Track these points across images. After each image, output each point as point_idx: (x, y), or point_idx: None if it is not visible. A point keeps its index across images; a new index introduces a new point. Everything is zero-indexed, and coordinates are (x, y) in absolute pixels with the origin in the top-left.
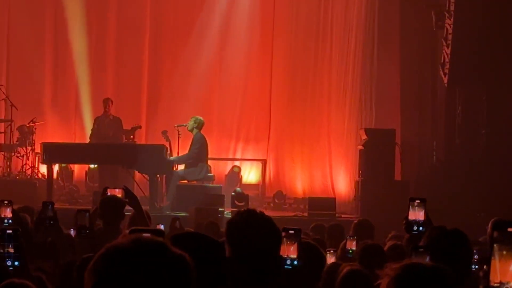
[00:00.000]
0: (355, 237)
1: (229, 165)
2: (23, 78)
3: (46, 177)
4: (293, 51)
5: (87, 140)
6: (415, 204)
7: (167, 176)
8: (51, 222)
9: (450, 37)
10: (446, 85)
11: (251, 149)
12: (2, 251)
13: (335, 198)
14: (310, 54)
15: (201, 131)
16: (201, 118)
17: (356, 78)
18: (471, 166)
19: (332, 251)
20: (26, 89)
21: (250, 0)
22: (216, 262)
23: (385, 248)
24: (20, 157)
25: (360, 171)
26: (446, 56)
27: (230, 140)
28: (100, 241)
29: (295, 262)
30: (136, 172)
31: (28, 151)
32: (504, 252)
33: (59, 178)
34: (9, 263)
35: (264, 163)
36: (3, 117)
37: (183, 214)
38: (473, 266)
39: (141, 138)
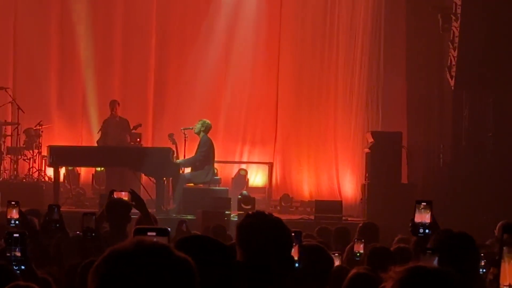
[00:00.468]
0: (363, 240)
1: (235, 168)
2: (30, 81)
3: (52, 180)
4: (300, 54)
5: (95, 143)
6: (421, 206)
7: (173, 179)
8: (57, 225)
9: (456, 40)
10: (452, 88)
11: (258, 152)
12: (9, 254)
13: (341, 201)
14: (316, 57)
15: (208, 134)
16: (208, 121)
17: (362, 81)
18: (478, 169)
19: (337, 254)
20: (32, 92)
21: (257, 3)
22: (223, 265)
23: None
24: (27, 160)
25: (367, 174)
26: (452, 59)
27: (236, 143)
28: (107, 244)
29: (296, 265)
30: (143, 175)
31: (34, 154)
32: None
33: (66, 181)
34: (15, 267)
35: (270, 166)
36: (9, 120)
37: (189, 217)
38: (480, 270)
39: (147, 141)
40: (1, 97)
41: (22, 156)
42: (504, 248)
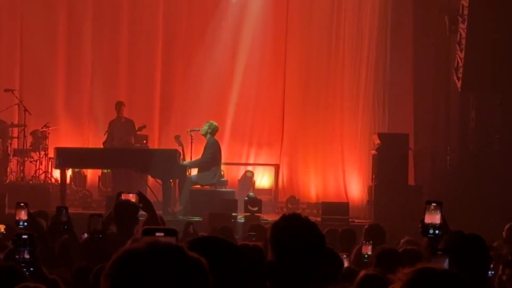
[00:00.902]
0: (371, 242)
1: (242, 170)
2: (36, 83)
3: (59, 182)
4: (306, 56)
5: (101, 145)
6: (431, 207)
7: (180, 180)
8: (66, 227)
9: (463, 41)
10: (459, 89)
11: (264, 153)
12: (18, 256)
13: (348, 203)
14: (323, 58)
15: (214, 136)
16: (215, 123)
17: (369, 82)
18: (485, 170)
19: (345, 255)
20: (39, 94)
21: (263, 5)
22: (235, 266)
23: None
24: (33, 162)
25: (373, 176)
26: (459, 60)
27: (243, 145)
28: (114, 245)
29: None
30: (149, 177)
31: (41, 156)
32: None
33: (72, 183)
34: (24, 268)
35: (277, 167)
36: (16, 122)
37: (196, 218)
38: (491, 272)
39: (154, 143)
40: (8, 99)
41: (29, 158)
42: None
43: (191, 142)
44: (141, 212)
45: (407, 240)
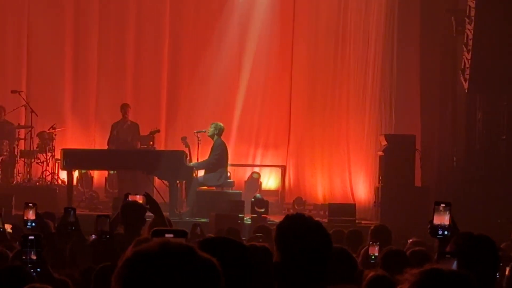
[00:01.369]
0: (378, 243)
1: (248, 171)
2: (43, 84)
3: (66, 183)
4: (313, 57)
5: (106, 147)
6: (440, 208)
7: (187, 182)
8: (73, 228)
9: (470, 42)
10: (466, 90)
11: (271, 155)
12: (24, 257)
13: (355, 204)
14: (329, 59)
15: (221, 137)
16: (221, 124)
17: (376, 84)
18: (491, 172)
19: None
20: (46, 96)
21: (269, 6)
22: (244, 266)
23: (407, 254)
24: (40, 163)
25: (380, 177)
26: (466, 61)
27: (249, 146)
28: (121, 246)
29: None
30: (156, 178)
31: (48, 157)
32: None
33: (79, 184)
34: (31, 269)
35: (283, 169)
36: (23, 124)
37: (203, 220)
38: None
39: (160, 144)
40: (14, 100)
41: (36, 160)
42: None
43: (198, 143)
44: (148, 213)
45: (414, 241)
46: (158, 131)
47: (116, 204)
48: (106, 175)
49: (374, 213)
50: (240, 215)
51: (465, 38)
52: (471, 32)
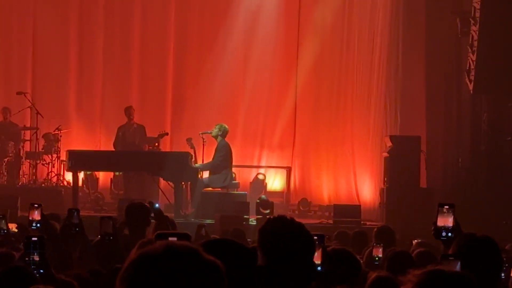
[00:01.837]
0: (381, 244)
1: (253, 173)
2: (49, 86)
3: (71, 184)
4: (318, 58)
5: (111, 149)
6: (444, 209)
7: (192, 183)
8: (77, 229)
9: (475, 43)
10: (471, 91)
11: (276, 156)
12: (27, 259)
13: (360, 205)
14: (335, 61)
15: (225, 139)
16: (226, 126)
17: (381, 85)
18: (497, 173)
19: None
20: (51, 97)
21: (275, 6)
22: (248, 268)
23: (413, 255)
24: (45, 164)
25: (385, 178)
26: (471, 62)
27: (254, 148)
28: (126, 247)
29: (319, 268)
30: (161, 179)
31: (53, 159)
32: None
33: (84, 186)
34: (34, 271)
35: (288, 170)
36: (28, 125)
37: (208, 221)
38: (502, 275)
39: (166, 146)
40: (20, 102)
41: (41, 161)
42: None
43: (203, 144)
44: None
45: (419, 242)
46: (167, 134)
47: (122, 205)
48: (112, 177)
49: (379, 214)
50: (245, 216)
51: (470, 39)
52: (476, 33)
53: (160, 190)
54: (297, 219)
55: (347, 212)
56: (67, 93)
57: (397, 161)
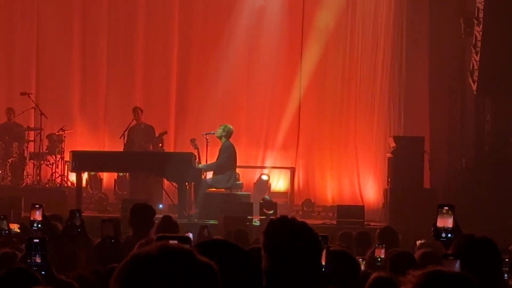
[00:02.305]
0: (384, 245)
1: (257, 173)
2: (52, 86)
3: (75, 185)
4: (322, 58)
5: (117, 148)
6: (444, 211)
7: (195, 184)
8: (79, 230)
9: (479, 44)
10: (475, 92)
11: (280, 157)
12: (29, 260)
13: (363, 206)
14: (338, 61)
15: (229, 139)
16: (230, 126)
17: (384, 85)
18: (500, 173)
19: (360, 259)
20: (55, 98)
21: (279, 6)
22: (241, 269)
23: (417, 256)
24: (49, 165)
25: (389, 179)
26: (475, 63)
27: (258, 148)
28: (129, 249)
29: (323, 269)
30: (165, 180)
31: (57, 159)
32: None
33: (88, 186)
34: (36, 272)
35: (292, 171)
36: (32, 126)
37: (211, 222)
38: (505, 275)
39: (170, 146)
40: (24, 102)
41: (45, 161)
42: None
43: (207, 145)
44: (158, 216)
45: (423, 242)
46: (166, 132)
47: (125, 206)
48: (115, 177)
49: (382, 215)
50: (248, 217)
51: (474, 40)
52: (479, 33)
53: (164, 190)
54: (300, 220)
55: (351, 212)
56: (71, 94)
57: (400, 162)
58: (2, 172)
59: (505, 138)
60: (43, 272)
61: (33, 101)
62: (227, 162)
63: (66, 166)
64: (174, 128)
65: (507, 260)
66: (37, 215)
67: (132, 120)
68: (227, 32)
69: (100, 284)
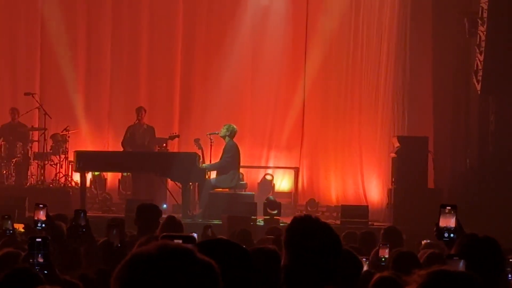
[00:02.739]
0: (388, 245)
1: (261, 173)
2: (56, 87)
3: (79, 185)
4: (326, 58)
5: (121, 148)
6: (446, 210)
7: (199, 184)
8: (83, 230)
9: (483, 44)
10: (479, 92)
11: (284, 157)
12: (31, 260)
13: (367, 206)
14: (342, 61)
15: (233, 139)
16: (234, 126)
17: (388, 85)
18: (504, 173)
19: (364, 259)
20: (59, 98)
21: (283, 7)
22: (243, 269)
23: (422, 256)
24: (53, 165)
25: (393, 179)
26: (479, 63)
27: (262, 148)
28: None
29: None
30: (169, 180)
31: (61, 160)
32: None
33: (92, 186)
34: (38, 272)
35: (296, 171)
36: (36, 126)
37: (215, 222)
38: (509, 276)
39: (174, 146)
40: (28, 102)
41: (49, 162)
42: None
43: (211, 145)
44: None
45: (427, 243)
46: (178, 136)
47: (129, 206)
48: (120, 177)
49: (386, 214)
50: (252, 217)
51: (478, 40)
52: (483, 33)
53: (168, 190)
54: None
55: (355, 212)
56: (75, 94)
57: (404, 162)
58: (6, 172)
59: (509, 138)
60: (45, 272)
61: (37, 101)
62: (230, 162)
63: (70, 166)
64: (178, 129)
65: (511, 260)
66: (41, 215)
67: (136, 120)
68: (231, 32)
69: (104, 283)
